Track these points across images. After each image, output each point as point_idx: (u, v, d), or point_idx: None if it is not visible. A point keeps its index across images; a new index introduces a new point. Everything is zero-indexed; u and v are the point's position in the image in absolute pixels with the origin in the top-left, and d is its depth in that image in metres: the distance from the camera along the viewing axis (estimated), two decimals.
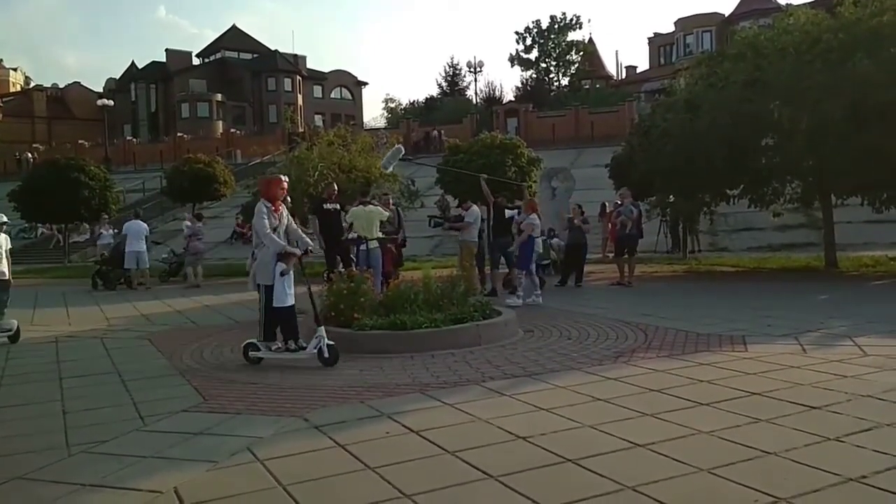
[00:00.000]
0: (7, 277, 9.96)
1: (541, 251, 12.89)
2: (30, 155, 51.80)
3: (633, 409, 5.38)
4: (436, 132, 46.87)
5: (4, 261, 9.88)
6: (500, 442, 4.78)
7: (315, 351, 7.27)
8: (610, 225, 19.06)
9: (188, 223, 18.77)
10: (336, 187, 13.81)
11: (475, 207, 13.68)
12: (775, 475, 4.02)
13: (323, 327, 7.36)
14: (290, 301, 7.45)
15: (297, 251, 7.45)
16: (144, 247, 17.34)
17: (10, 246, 10.19)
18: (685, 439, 4.69)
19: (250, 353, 7.59)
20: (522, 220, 12.80)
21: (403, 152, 13.84)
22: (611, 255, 18.24)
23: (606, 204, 21.22)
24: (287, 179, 7.99)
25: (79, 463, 4.71)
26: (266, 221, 7.40)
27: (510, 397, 5.89)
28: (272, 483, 4.19)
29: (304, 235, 7.84)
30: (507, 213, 13.84)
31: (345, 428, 5.18)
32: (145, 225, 18.01)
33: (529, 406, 5.60)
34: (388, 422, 5.32)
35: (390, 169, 15.83)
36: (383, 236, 11.97)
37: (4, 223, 10.24)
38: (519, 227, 12.88)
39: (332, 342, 7.31)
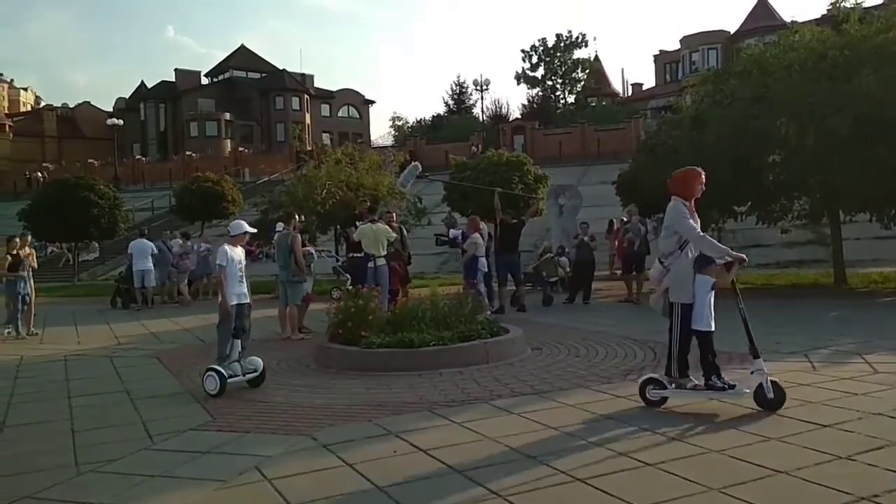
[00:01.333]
0: (249, 300, 7.71)
1: (486, 270, 12.94)
2: (39, 174, 52.20)
3: (643, 428, 5.35)
4: (474, 147, 46.56)
5: (245, 280, 7.70)
6: (508, 461, 4.76)
7: (748, 390, 5.78)
8: (617, 242, 19.04)
9: (179, 241, 19.01)
10: (368, 203, 13.79)
11: (483, 225, 13.70)
12: (786, 494, 3.99)
13: (762, 359, 5.85)
14: (713, 325, 6.04)
15: (744, 257, 5.94)
16: (151, 265, 17.43)
17: (244, 262, 7.82)
18: (695, 458, 4.66)
19: (651, 391, 5.97)
20: (465, 241, 13.05)
21: (421, 169, 13.78)
22: (619, 272, 18.21)
23: (614, 221, 21.20)
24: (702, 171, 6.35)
25: (88, 482, 4.72)
26: (691, 222, 5.99)
27: (518, 415, 5.87)
28: (280, 502, 4.19)
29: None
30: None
31: (353, 447, 5.18)
32: (151, 244, 18.12)
33: (538, 424, 5.58)
34: (396, 440, 5.31)
35: (408, 187, 15.76)
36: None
37: (247, 233, 7.87)
38: (462, 247, 13.10)
39: (775, 379, 5.83)
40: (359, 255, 11.83)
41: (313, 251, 12.89)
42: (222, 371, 7.11)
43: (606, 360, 8.23)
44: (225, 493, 4.41)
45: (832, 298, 14.24)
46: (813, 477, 4.21)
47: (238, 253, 7.61)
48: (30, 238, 13.68)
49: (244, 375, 7.33)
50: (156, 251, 17.93)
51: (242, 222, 8.00)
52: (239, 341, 7.40)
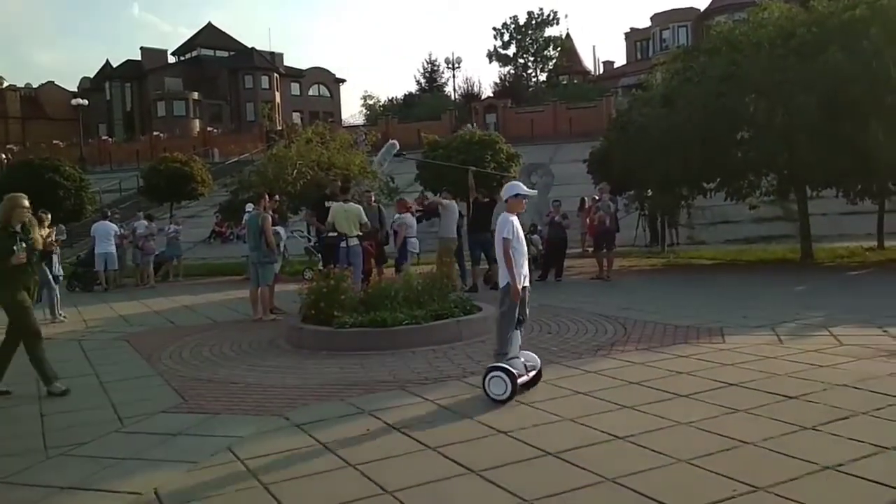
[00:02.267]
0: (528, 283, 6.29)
1: (416, 251, 12.97)
2: (3, 156, 51.07)
3: (613, 402, 5.42)
4: (469, 126, 46.27)
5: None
6: (481, 437, 4.79)
7: None
8: (588, 220, 19.14)
9: (144, 223, 18.82)
10: (340, 183, 13.66)
11: (454, 202, 13.68)
12: (753, 465, 4.06)
13: None
14: None
15: None
16: (113, 248, 17.22)
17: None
18: (664, 431, 4.73)
19: None
20: (395, 221, 12.96)
21: (398, 148, 13.55)
22: (590, 249, 18.35)
23: (585, 199, 21.32)
24: None
25: (57, 465, 4.67)
26: None
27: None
28: (253, 483, 4.18)
29: None
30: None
31: (326, 426, 5.18)
32: (114, 226, 17.88)
33: (510, 400, 5.61)
34: (369, 419, 5.32)
35: (385, 167, 15.58)
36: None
37: (521, 195, 6.10)
38: (393, 228, 13.03)
39: None
40: (333, 234, 11.77)
41: (282, 231, 12.77)
42: (511, 370, 5.66)
43: (577, 336, 8.30)
44: (197, 474, 4.39)
45: (799, 273, 14.48)
46: (779, 447, 4.29)
47: (518, 224, 6.09)
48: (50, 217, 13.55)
49: (528, 373, 5.98)
50: (119, 232, 17.71)
51: (518, 183, 6.49)
52: (519, 332, 6.12)
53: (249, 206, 16.43)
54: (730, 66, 15.11)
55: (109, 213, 19.05)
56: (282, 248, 11.89)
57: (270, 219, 11.46)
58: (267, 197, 12.11)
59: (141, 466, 4.55)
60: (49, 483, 4.31)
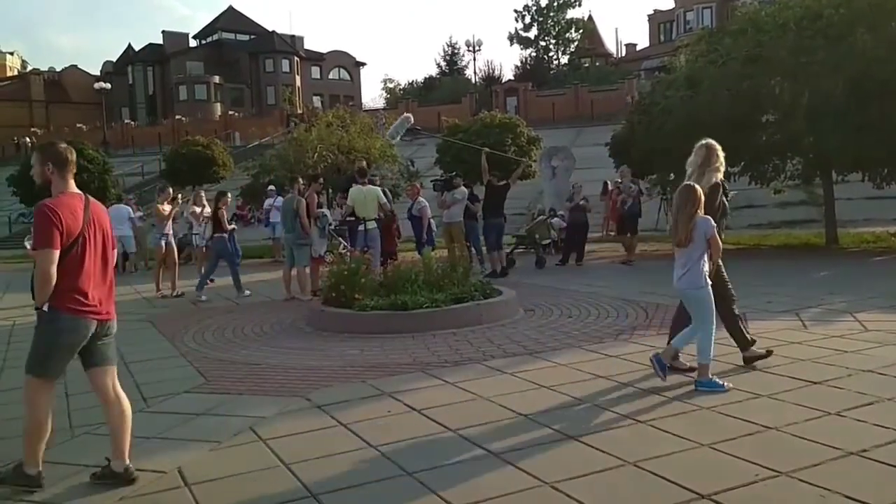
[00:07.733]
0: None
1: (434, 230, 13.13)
2: (28, 139, 51.67)
3: (635, 386, 5.40)
4: (629, 98, 45.95)
5: None
6: (502, 419, 4.79)
7: None
8: (611, 203, 19.01)
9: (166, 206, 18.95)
10: (366, 164, 13.68)
11: (463, 187, 13.59)
12: (776, 450, 4.03)
13: None
14: None
15: None
16: (129, 231, 17.34)
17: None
18: (686, 415, 4.70)
19: None
20: (413, 207, 13.05)
21: (413, 122, 13.55)
22: (612, 233, 18.26)
23: (608, 182, 21.15)
24: None
25: (83, 444, 4.74)
26: None
27: (511, 375, 5.91)
28: (275, 462, 4.21)
29: None
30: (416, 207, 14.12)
31: (347, 407, 5.20)
32: (129, 209, 18.00)
33: (531, 384, 5.61)
34: (389, 401, 5.34)
35: (397, 139, 15.64)
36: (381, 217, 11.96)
37: None
38: (412, 213, 13.12)
39: None
40: (352, 218, 11.80)
41: (328, 213, 12.81)
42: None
43: (598, 321, 8.26)
44: (220, 453, 4.43)
45: (824, 258, 14.30)
46: (803, 433, 4.26)
47: None
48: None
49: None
50: (133, 216, 17.80)
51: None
52: None
53: (271, 189, 16.51)
54: (755, 47, 14.86)
55: (124, 197, 19.20)
56: (326, 231, 12.03)
57: (306, 202, 11.44)
58: (301, 180, 12.18)
59: (165, 445, 4.60)
60: (75, 461, 4.38)
